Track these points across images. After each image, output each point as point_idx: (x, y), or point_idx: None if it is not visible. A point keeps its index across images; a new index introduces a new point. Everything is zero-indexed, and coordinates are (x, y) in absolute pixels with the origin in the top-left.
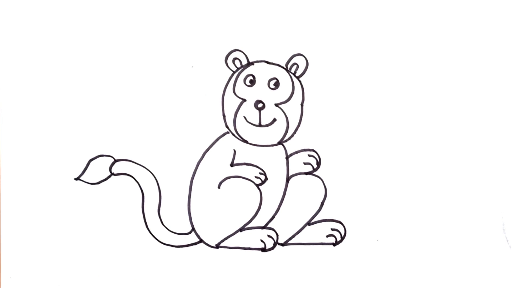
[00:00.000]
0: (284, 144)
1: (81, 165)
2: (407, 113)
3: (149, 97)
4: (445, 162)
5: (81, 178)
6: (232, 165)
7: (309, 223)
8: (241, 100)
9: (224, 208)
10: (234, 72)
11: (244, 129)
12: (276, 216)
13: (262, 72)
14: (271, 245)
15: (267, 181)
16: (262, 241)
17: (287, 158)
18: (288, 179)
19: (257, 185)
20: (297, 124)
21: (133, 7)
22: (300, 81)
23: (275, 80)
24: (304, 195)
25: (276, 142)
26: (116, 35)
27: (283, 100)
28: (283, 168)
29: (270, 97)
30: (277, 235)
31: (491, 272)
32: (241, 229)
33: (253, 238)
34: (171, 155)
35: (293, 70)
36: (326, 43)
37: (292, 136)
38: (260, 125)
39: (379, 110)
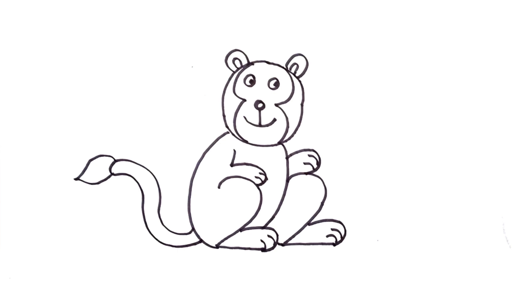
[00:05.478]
0: (284, 144)
1: (81, 165)
2: (407, 113)
3: (149, 97)
4: (445, 162)
5: (81, 178)
6: (232, 165)
7: (309, 223)
8: (241, 100)
9: (224, 208)
10: (234, 72)
11: (244, 129)
12: (276, 216)
13: (262, 72)
14: (271, 245)
15: (267, 181)
16: (262, 241)
17: (287, 158)
18: (288, 179)
19: (257, 185)
20: (297, 124)
21: (133, 7)
22: (300, 81)
23: (275, 80)
24: (304, 195)
25: (276, 142)
26: (116, 35)
27: (283, 100)
28: (283, 168)
29: (270, 97)
30: (277, 235)
31: (491, 272)
32: (241, 229)
33: (253, 238)
34: (171, 155)
35: (293, 70)
36: (326, 43)
37: (292, 136)
38: (260, 125)
39: (379, 110)
